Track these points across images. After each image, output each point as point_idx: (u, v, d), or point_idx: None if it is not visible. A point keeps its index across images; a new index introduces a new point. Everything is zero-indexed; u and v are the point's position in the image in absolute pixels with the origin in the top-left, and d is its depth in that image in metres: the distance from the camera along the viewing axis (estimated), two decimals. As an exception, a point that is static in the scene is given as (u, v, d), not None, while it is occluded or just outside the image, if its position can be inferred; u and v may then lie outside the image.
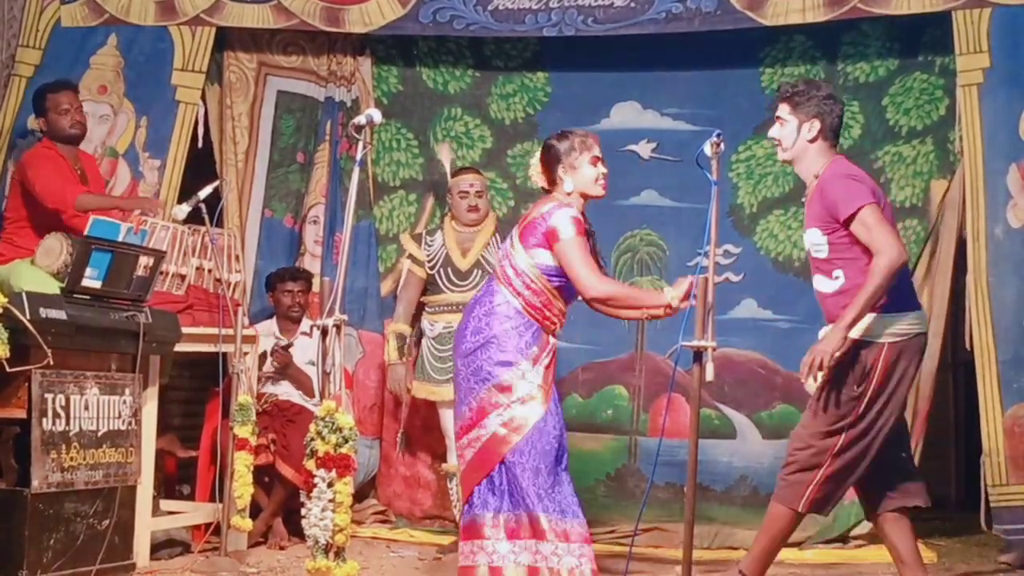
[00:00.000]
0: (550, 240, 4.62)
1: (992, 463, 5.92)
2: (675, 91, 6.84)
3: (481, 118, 7.02)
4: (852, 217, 4.42)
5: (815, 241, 4.57)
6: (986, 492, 6.05)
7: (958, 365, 7.61)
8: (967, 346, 6.12)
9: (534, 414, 4.52)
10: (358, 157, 4.51)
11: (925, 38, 6.45)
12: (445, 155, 6.62)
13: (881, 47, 6.60)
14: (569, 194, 4.73)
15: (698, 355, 4.16)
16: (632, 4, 6.40)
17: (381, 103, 6.92)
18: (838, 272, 4.52)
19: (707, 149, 4.37)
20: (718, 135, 4.39)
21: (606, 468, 6.73)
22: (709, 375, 4.13)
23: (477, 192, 6.20)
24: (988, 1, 6.01)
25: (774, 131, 4.71)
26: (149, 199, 5.97)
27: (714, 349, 4.17)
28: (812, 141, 4.61)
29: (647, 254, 6.84)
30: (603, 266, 4.87)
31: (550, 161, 4.75)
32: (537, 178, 4.80)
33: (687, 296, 4.48)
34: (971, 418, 6.69)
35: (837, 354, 4.40)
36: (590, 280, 4.61)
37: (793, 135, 4.63)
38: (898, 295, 4.50)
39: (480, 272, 6.17)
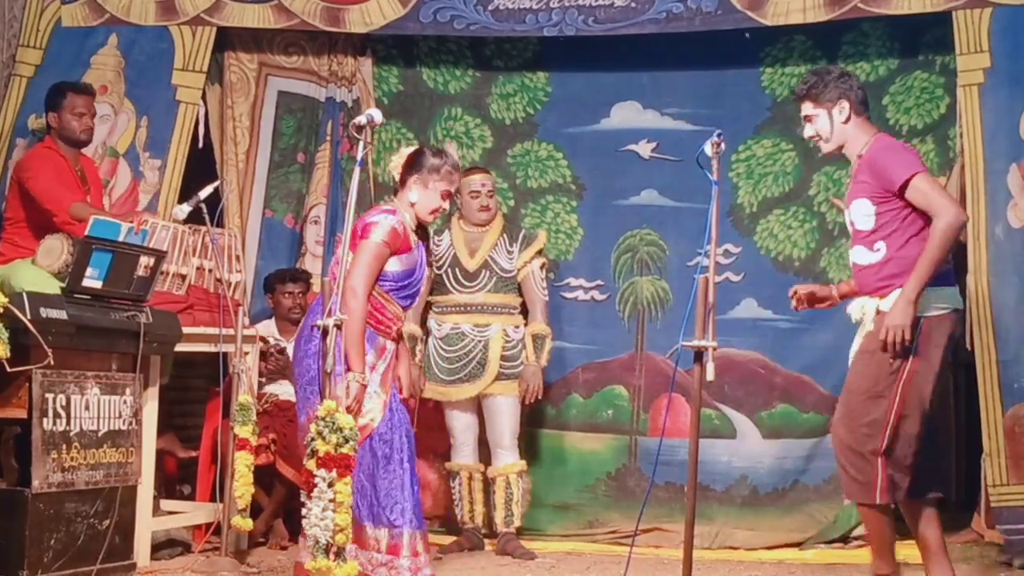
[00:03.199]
0: (363, 235, 4.71)
1: (992, 463, 5.92)
2: (675, 91, 6.84)
3: (481, 118, 7.02)
4: (907, 184, 4.44)
5: (864, 212, 4.57)
6: (986, 492, 6.05)
7: (958, 365, 7.58)
8: (968, 346, 6.12)
9: (369, 426, 4.68)
10: (359, 157, 4.51)
11: (926, 37, 6.45)
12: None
13: (881, 47, 6.60)
14: (411, 204, 4.86)
15: (698, 355, 4.16)
16: (632, 4, 6.39)
17: (382, 103, 6.92)
18: (880, 244, 4.54)
19: (707, 149, 4.37)
20: (719, 135, 4.39)
21: (606, 468, 6.73)
22: (709, 375, 4.13)
23: (488, 192, 6.24)
24: (989, 1, 6.01)
25: (808, 131, 4.73)
26: (140, 219, 5.86)
27: (714, 349, 4.17)
28: (846, 122, 4.63)
29: (647, 254, 6.84)
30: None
31: (413, 166, 4.90)
32: (395, 170, 4.89)
33: (353, 400, 4.58)
34: (971, 418, 6.69)
35: (903, 331, 4.40)
36: (356, 290, 4.65)
37: (828, 125, 4.65)
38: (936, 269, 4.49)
39: (488, 272, 6.19)
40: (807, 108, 4.70)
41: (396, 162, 4.96)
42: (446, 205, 4.95)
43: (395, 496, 4.72)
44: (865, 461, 4.48)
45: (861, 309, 4.64)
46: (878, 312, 4.54)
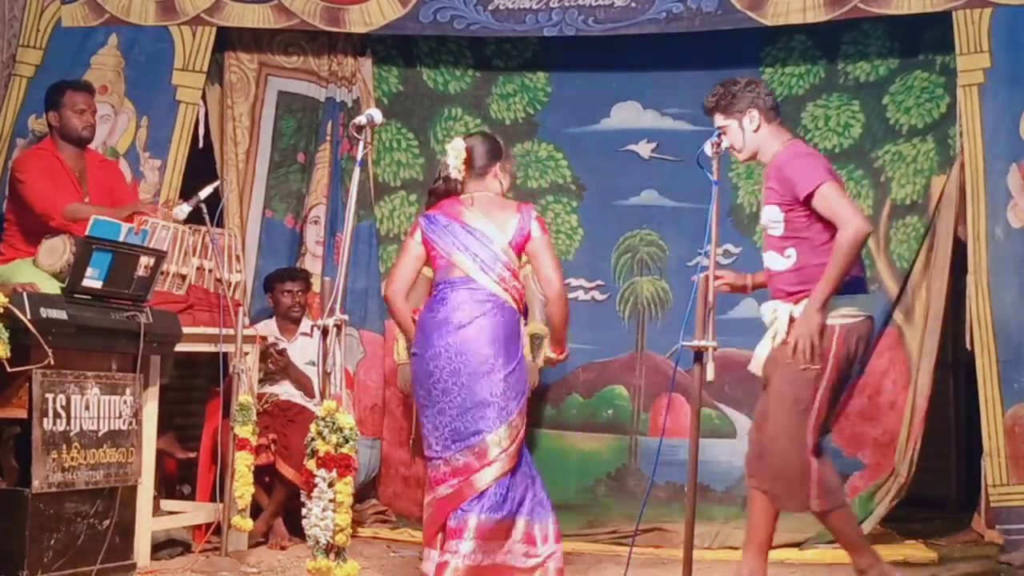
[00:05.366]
0: (531, 235, 4.85)
1: (992, 463, 5.92)
2: (675, 91, 6.84)
3: (481, 118, 7.02)
4: (812, 194, 4.43)
5: (772, 218, 4.58)
6: (986, 492, 6.05)
7: (958, 365, 7.61)
8: (968, 346, 6.13)
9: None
10: (359, 157, 4.51)
11: (926, 37, 6.46)
12: None
13: (881, 46, 6.60)
14: (499, 193, 4.98)
15: (698, 355, 4.17)
16: (632, 4, 6.39)
17: (382, 103, 6.92)
18: (790, 251, 4.54)
19: (707, 149, 4.37)
20: (719, 135, 4.39)
21: (606, 468, 6.74)
22: (709, 375, 4.13)
23: None
24: (989, 1, 6.01)
25: (723, 143, 4.69)
26: (140, 204, 5.89)
27: (714, 349, 4.17)
28: (757, 130, 4.62)
29: (647, 254, 6.84)
30: None
31: (495, 152, 4.96)
32: (456, 157, 4.87)
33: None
34: (971, 418, 6.69)
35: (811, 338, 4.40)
36: (558, 282, 4.91)
37: (740, 135, 4.65)
38: (849, 278, 4.49)
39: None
40: (719, 120, 4.68)
41: (458, 151, 4.92)
42: None
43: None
44: (801, 470, 4.45)
45: (773, 312, 4.61)
46: (791, 319, 4.51)
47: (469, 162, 4.91)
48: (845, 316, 4.47)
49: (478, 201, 4.88)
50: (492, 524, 4.68)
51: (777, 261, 4.60)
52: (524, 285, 5.06)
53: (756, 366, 4.65)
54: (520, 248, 4.85)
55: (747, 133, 4.64)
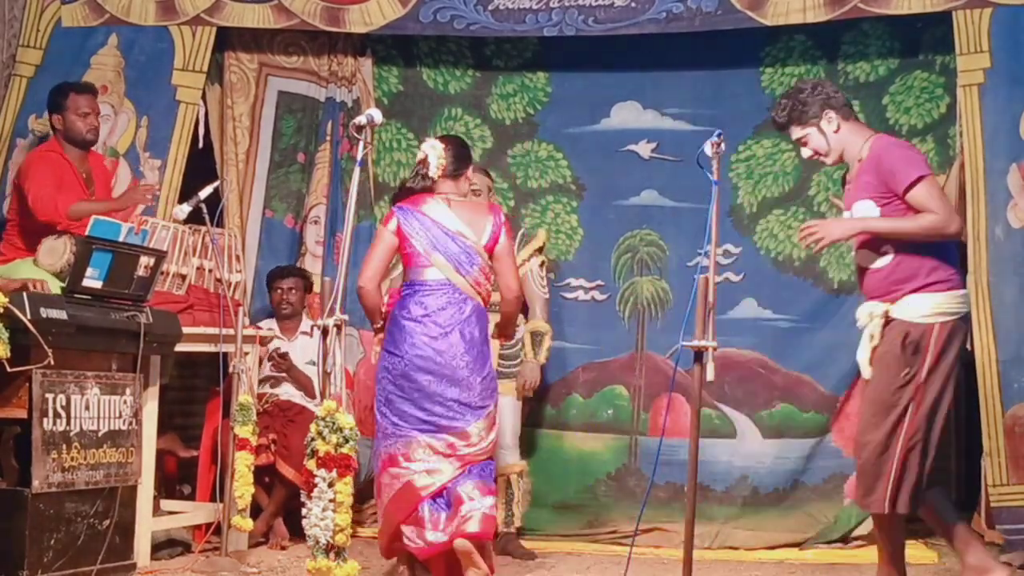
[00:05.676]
0: (502, 237, 5.05)
1: (992, 463, 5.92)
2: (675, 91, 6.84)
3: (481, 118, 7.02)
4: (912, 186, 4.30)
5: (867, 213, 4.43)
6: (986, 492, 6.05)
7: (958, 365, 7.60)
8: (968, 346, 6.12)
9: None
10: (359, 157, 4.51)
11: (926, 37, 6.46)
12: None
13: (881, 46, 6.60)
14: (465, 195, 5.15)
15: (698, 355, 4.16)
16: (632, 4, 6.39)
17: (382, 103, 6.92)
18: (887, 247, 4.42)
19: (707, 149, 4.35)
20: (719, 135, 4.38)
21: (606, 468, 6.73)
22: (709, 375, 4.13)
23: (474, 190, 6.20)
24: (989, 1, 6.01)
25: (805, 153, 4.65)
26: (140, 189, 5.90)
27: (714, 349, 4.17)
28: (837, 131, 4.54)
29: (647, 254, 6.84)
30: None
31: (468, 157, 5.17)
32: (439, 158, 4.95)
33: None
34: (971, 418, 6.69)
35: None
36: (516, 288, 5.21)
37: (822, 140, 4.56)
38: (947, 274, 4.38)
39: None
40: (796, 132, 4.61)
41: (438, 152, 5.01)
42: None
43: None
44: (877, 471, 4.37)
45: (869, 315, 4.48)
46: (886, 319, 4.40)
47: (445, 163, 5.01)
48: (942, 314, 4.33)
49: (455, 204, 5.03)
50: (493, 487, 4.93)
51: (871, 259, 4.44)
52: (522, 283, 5.27)
53: (865, 371, 4.50)
54: (490, 251, 4.98)
55: (829, 136, 4.53)
